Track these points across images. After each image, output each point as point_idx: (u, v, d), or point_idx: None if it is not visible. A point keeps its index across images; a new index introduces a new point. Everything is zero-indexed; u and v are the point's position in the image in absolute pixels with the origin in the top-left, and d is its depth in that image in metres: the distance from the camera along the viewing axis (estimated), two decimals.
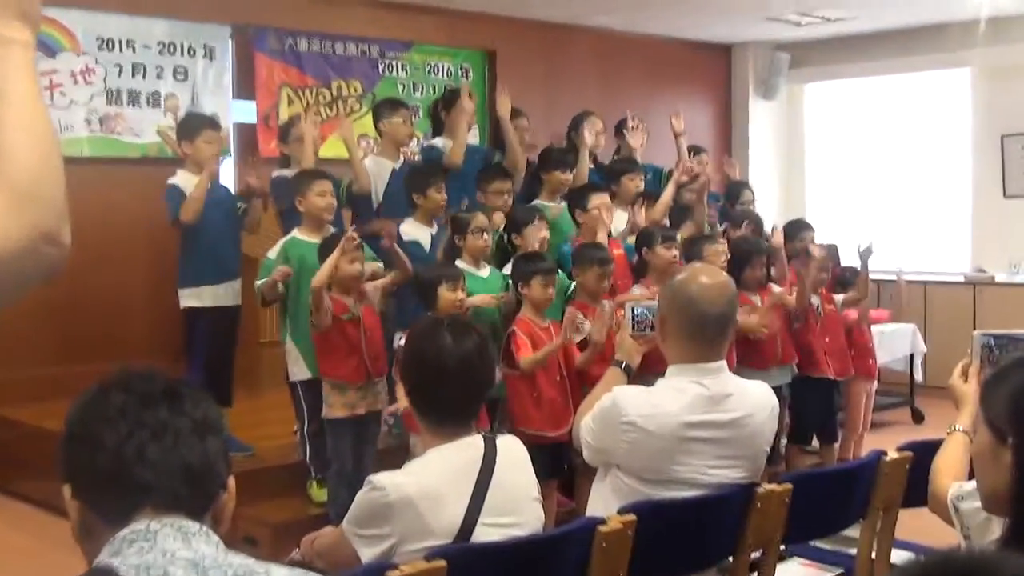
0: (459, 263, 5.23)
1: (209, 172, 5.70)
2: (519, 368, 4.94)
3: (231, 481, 1.55)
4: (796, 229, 6.65)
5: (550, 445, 4.88)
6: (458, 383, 2.65)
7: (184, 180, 5.75)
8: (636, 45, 10.16)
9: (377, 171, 6.11)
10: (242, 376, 6.26)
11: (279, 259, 5.33)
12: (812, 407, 6.20)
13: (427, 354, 2.69)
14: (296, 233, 5.41)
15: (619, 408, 2.94)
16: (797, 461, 6.25)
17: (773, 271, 6.16)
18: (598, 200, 5.86)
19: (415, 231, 5.63)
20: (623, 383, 3.29)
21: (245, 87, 7.97)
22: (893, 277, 7.35)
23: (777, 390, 3.30)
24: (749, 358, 5.73)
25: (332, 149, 7.62)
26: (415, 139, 7.50)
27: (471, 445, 2.64)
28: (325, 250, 5.06)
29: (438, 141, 6.47)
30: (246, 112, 7.97)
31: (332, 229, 5.45)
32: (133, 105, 7.37)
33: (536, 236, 5.50)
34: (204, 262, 5.78)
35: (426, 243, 5.61)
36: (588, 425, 3.08)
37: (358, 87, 8.52)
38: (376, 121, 6.32)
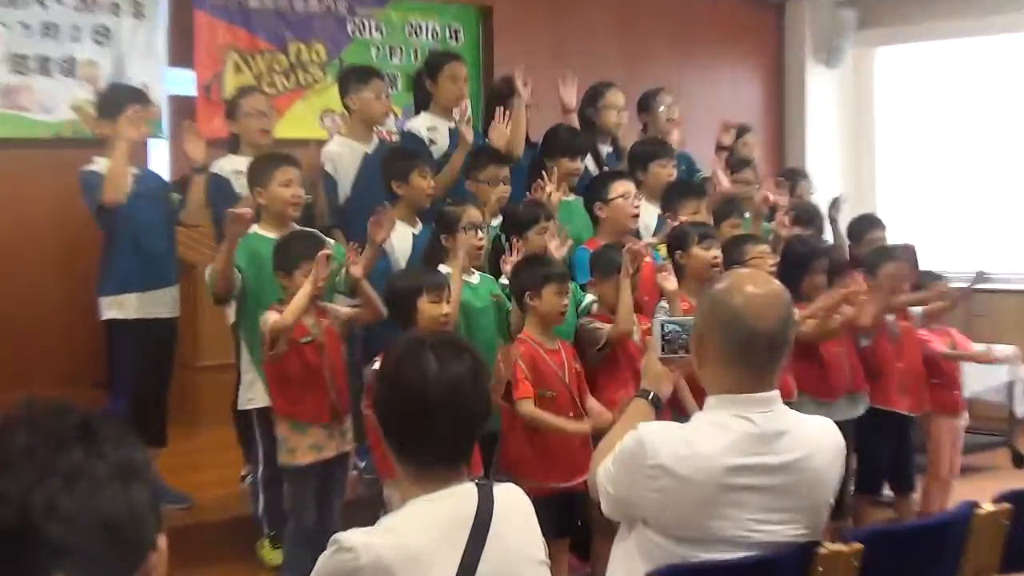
0: (444, 268, 5.21)
1: (128, 141, 5.70)
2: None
3: (162, 539, 1.54)
4: (864, 227, 6.64)
5: (560, 495, 4.85)
6: (446, 417, 2.62)
7: (105, 167, 5.75)
8: (665, 2, 10.17)
9: (345, 156, 6.11)
10: (177, 409, 6.26)
11: (240, 256, 5.30)
12: (882, 447, 6.18)
13: (408, 382, 2.66)
14: (256, 228, 5.40)
15: (646, 449, 2.93)
16: (868, 514, 6.23)
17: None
18: (623, 188, 5.85)
19: (393, 229, 5.60)
20: (651, 418, 3.27)
21: (182, 52, 7.99)
22: (990, 286, 7.29)
23: (842, 426, 3.27)
24: (811, 385, 5.72)
25: (290, 128, 7.63)
26: (392, 116, 7.49)
27: (462, 495, 2.62)
28: (283, 253, 5.04)
29: (420, 121, 6.46)
30: (183, 82, 7.99)
31: (295, 226, 5.45)
32: (43, 74, 7.38)
33: (541, 240, 5.46)
34: (130, 264, 5.79)
35: (406, 245, 5.59)
36: (608, 470, 3.07)
37: (321, 52, 8.53)
38: (343, 95, 6.32)
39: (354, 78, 6.32)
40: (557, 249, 5.46)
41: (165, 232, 5.97)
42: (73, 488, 1.46)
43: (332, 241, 5.38)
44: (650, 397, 3.38)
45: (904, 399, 6.19)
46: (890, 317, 6.22)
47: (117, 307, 5.81)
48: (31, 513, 1.43)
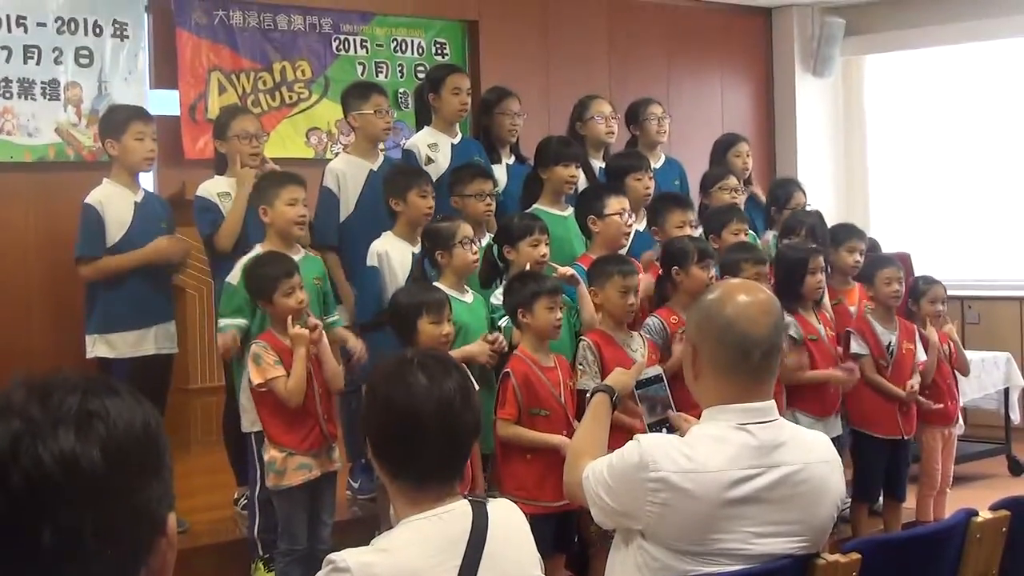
0: (440, 286, 5.22)
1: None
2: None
3: (171, 520, 1.49)
4: (843, 236, 6.64)
5: (556, 513, 4.86)
6: (436, 435, 2.64)
7: (105, 195, 5.73)
8: (653, 10, 10.20)
9: (349, 174, 6.13)
10: (167, 432, 6.23)
11: (242, 286, 5.31)
12: (877, 458, 6.26)
13: (396, 400, 2.68)
14: (259, 250, 5.40)
15: (647, 462, 2.93)
16: (866, 524, 6.26)
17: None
18: (619, 204, 5.87)
19: (393, 247, 5.64)
20: (610, 415, 3.40)
21: (165, 73, 7.98)
22: (984, 293, 7.33)
23: (835, 441, 3.30)
24: (801, 401, 5.75)
25: (276, 147, 7.64)
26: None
27: (456, 513, 2.62)
28: (255, 282, 5.09)
29: (422, 137, 6.47)
30: (167, 103, 7.97)
31: (300, 247, 5.47)
32: (25, 97, 7.35)
33: (534, 254, 5.47)
34: (122, 301, 5.73)
35: (406, 263, 5.60)
36: (601, 479, 3.05)
37: (306, 69, 8.54)
38: (345, 113, 6.38)
39: (354, 95, 6.34)
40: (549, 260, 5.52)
41: (163, 267, 5.93)
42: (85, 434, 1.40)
43: (299, 255, 5.40)
44: (609, 393, 3.48)
45: (888, 423, 6.22)
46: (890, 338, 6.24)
47: (106, 345, 5.73)
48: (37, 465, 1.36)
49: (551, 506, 4.88)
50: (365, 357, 5.42)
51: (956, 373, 6.64)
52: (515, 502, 4.73)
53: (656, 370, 3.50)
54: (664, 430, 3.42)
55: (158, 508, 1.45)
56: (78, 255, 5.76)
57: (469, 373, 2.77)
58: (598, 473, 3.07)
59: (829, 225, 6.77)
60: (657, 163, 7.03)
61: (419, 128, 6.63)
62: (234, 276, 5.39)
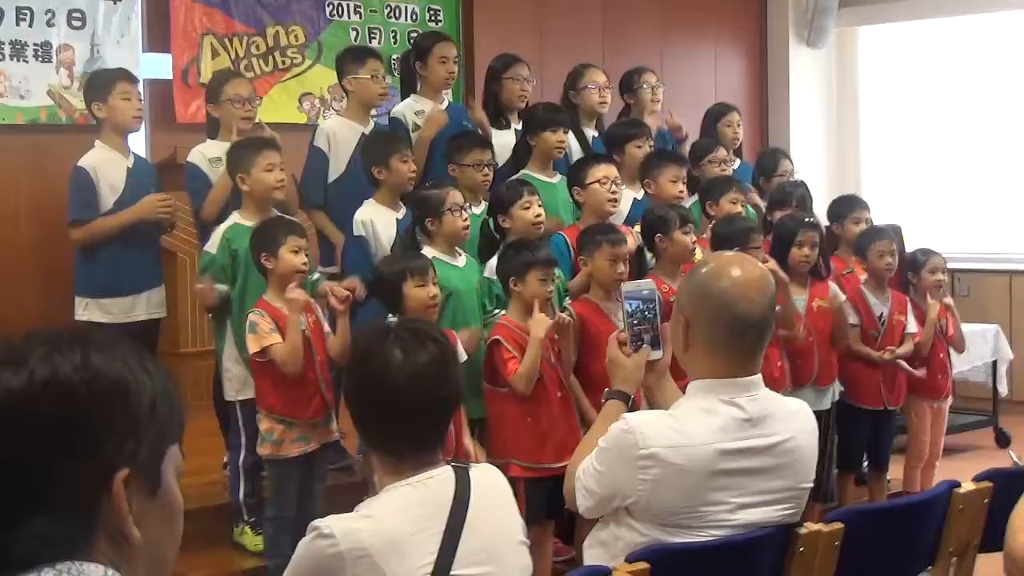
0: (428, 251, 5.21)
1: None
2: (508, 386, 4.95)
3: (118, 479, 1.44)
4: (846, 208, 6.67)
5: (550, 479, 4.86)
6: (413, 407, 2.66)
7: (98, 160, 5.72)
8: None
9: (340, 135, 6.12)
10: None
11: (222, 252, 5.30)
12: (860, 429, 6.28)
13: (372, 372, 2.70)
14: (237, 218, 5.39)
15: (636, 438, 2.93)
16: (851, 494, 6.29)
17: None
18: (601, 172, 5.86)
19: (377, 215, 5.61)
20: None
21: (158, 36, 7.96)
22: (974, 266, 7.32)
23: (820, 414, 3.30)
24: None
25: (269, 112, 7.62)
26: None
27: (439, 479, 2.64)
28: (264, 235, 5.05)
29: (408, 104, 6.44)
30: (160, 67, 7.96)
31: (276, 212, 5.46)
32: (17, 59, 7.34)
33: (527, 216, 5.47)
34: (116, 266, 5.72)
35: (391, 231, 5.58)
36: (590, 469, 3.04)
37: (299, 34, 8.52)
38: (340, 77, 6.36)
39: (350, 59, 6.32)
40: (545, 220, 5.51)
41: (153, 230, 5.91)
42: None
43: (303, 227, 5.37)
44: (623, 397, 3.29)
45: (872, 394, 6.23)
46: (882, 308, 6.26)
47: (98, 310, 5.72)
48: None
49: (551, 468, 4.85)
50: (364, 293, 5.38)
51: (950, 348, 6.65)
52: (515, 465, 4.80)
53: (650, 285, 3.39)
54: (645, 340, 3.29)
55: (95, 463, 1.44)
56: (73, 218, 5.72)
57: (451, 344, 2.77)
58: (587, 466, 3.06)
59: (829, 197, 6.77)
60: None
61: (404, 96, 6.59)
62: (212, 244, 5.40)
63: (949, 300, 6.62)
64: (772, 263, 5.26)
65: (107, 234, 5.70)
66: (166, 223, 5.96)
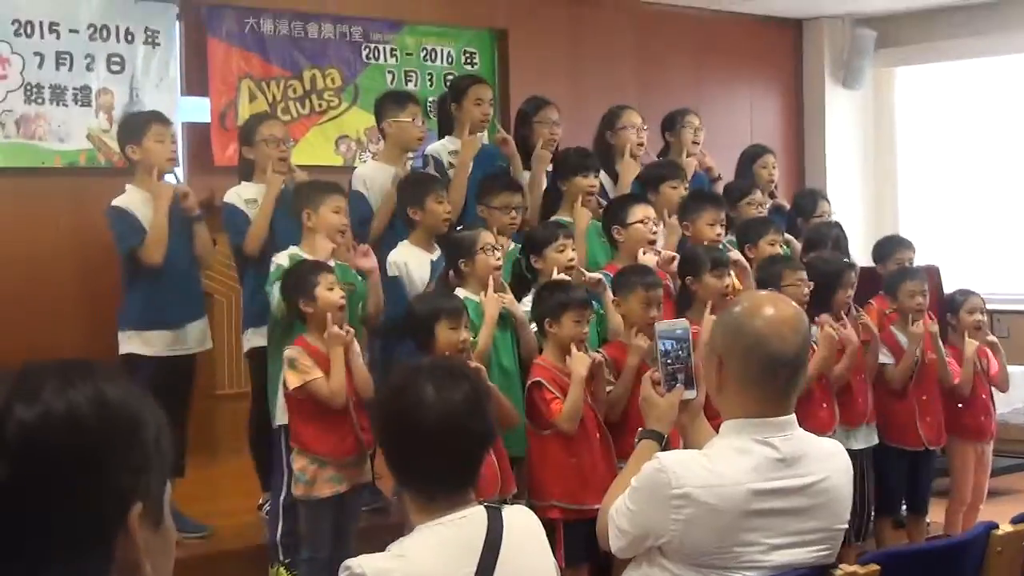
0: (461, 292, 5.23)
1: (167, 199, 5.66)
2: (551, 427, 4.94)
3: (133, 515, 1.44)
4: (889, 248, 6.69)
5: (588, 521, 4.83)
6: (445, 446, 2.66)
7: (133, 200, 5.74)
8: (682, 22, 10.21)
9: (378, 178, 6.15)
10: (195, 437, 6.27)
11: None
12: (898, 471, 6.24)
13: (403, 411, 2.70)
14: (300, 251, 5.40)
15: (669, 477, 2.92)
16: (889, 537, 6.24)
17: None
18: (642, 212, 5.86)
19: (411, 257, 5.63)
20: None
21: (196, 80, 8.04)
22: (1013, 307, 7.28)
23: (856, 455, 3.29)
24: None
25: (305, 155, 7.68)
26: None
27: (471, 519, 2.64)
28: (297, 279, 5.06)
29: (443, 144, 6.50)
30: (198, 110, 8.03)
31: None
32: (57, 103, 7.42)
33: (561, 259, 5.48)
34: (161, 299, 5.72)
35: (424, 272, 5.61)
36: (623, 508, 3.04)
37: (336, 77, 8.58)
38: (379, 119, 6.38)
39: (390, 102, 6.37)
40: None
41: (193, 263, 5.92)
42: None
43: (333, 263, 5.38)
44: (657, 437, 3.27)
45: (910, 434, 6.19)
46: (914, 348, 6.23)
47: (140, 343, 5.70)
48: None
49: (593, 509, 4.83)
50: (376, 270, 5.43)
51: (993, 388, 6.60)
52: (555, 508, 4.78)
53: (684, 325, 3.38)
54: (679, 379, 3.29)
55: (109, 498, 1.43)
56: (128, 247, 5.66)
57: (480, 382, 2.77)
58: (619, 506, 3.06)
59: (867, 238, 6.76)
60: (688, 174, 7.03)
61: (440, 137, 6.66)
62: (281, 257, 5.37)
63: (993, 338, 6.57)
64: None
65: (162, 237, 5.68)
66: (207, 259, 5.99)
